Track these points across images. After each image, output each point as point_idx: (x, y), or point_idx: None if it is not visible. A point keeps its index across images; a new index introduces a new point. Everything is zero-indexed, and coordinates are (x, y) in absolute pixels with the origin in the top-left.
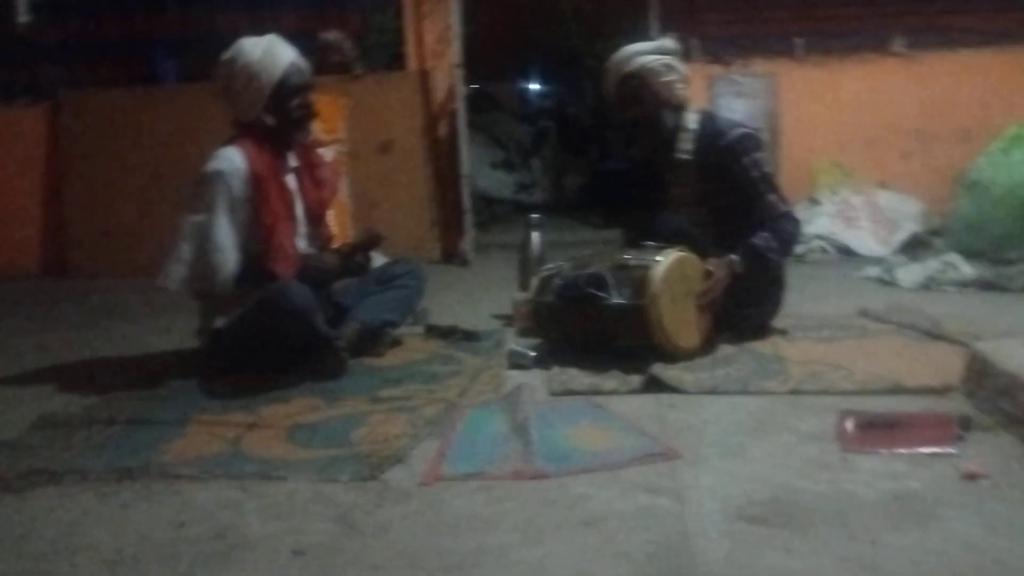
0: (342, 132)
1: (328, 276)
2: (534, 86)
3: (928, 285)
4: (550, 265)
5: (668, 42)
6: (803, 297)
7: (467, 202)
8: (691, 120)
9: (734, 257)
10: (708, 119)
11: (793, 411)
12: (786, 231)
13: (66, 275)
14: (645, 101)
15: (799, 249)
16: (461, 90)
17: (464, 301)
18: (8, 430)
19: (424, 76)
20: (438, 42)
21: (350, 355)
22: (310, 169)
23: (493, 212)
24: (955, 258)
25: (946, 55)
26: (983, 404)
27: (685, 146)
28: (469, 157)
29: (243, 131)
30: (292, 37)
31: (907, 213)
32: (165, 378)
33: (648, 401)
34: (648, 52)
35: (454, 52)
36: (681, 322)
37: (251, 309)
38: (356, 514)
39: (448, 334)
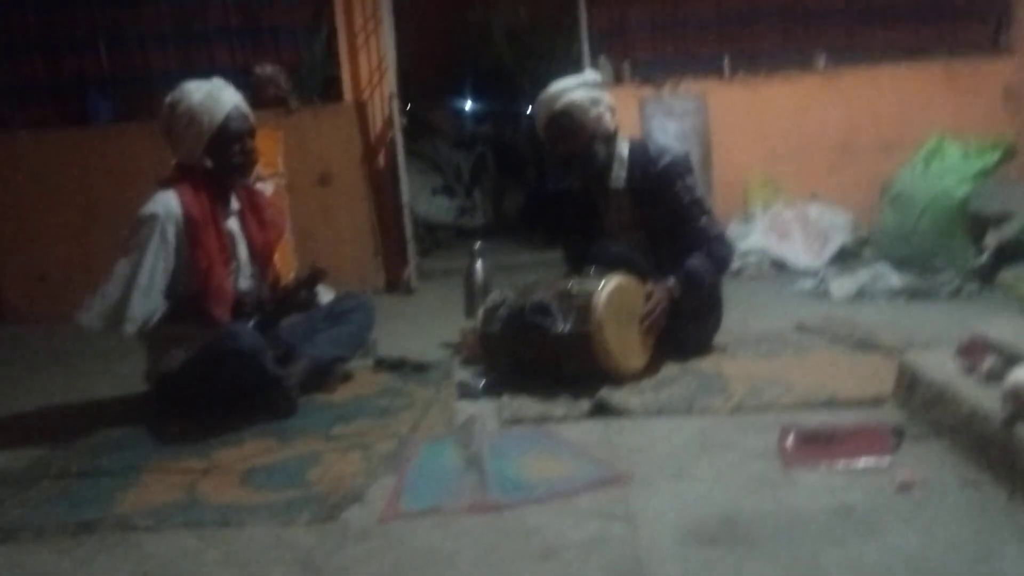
0: (280, 166)
1: (268, 312)
2: (470, 109)
3: (860, 296)
4: (495, 294)
5: (592, 74)
6: (742, 313)
7: (409, 230)
8: (623, 148)
9: (671, 281)
10: (639, 146)
11: (736, 429)
12: (719, 252)
13: (1, 319)
14: (576, 137)
15: (734, 265)
16: (398, 120)
17: (411, 330)
18: None
19: (360, 107)
20: (373, 73)
21: (301, 393)
22: (255, 211)
23: (435, 238)
24: (884, 268)
25: (866, 71)
26: (915, 414)
27: (618, 174)
28: (408, 184)
29: (183, 173)
30: (226, 72)
31: (837, 225)
32: (114, 425)
33: (597, 425)
34: (574, 88)
35: (389, 82)
36: (625, 346)
37: (201, 352)
38: (317, 556)
39: (397, 366)
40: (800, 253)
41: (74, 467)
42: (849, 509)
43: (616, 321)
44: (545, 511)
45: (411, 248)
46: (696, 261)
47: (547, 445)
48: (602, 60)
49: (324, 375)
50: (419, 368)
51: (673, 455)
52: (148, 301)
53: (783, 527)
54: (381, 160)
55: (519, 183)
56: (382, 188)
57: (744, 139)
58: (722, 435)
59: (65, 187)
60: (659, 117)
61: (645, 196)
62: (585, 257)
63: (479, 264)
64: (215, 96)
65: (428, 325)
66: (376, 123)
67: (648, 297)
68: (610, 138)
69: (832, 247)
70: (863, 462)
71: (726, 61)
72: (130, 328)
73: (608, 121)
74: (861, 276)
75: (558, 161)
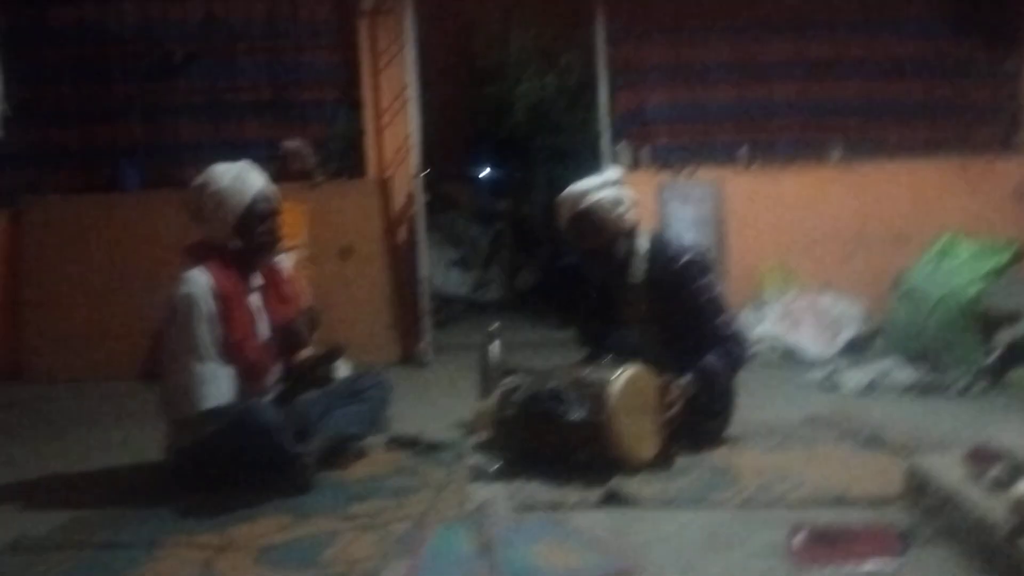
0: (303, 238)
1: (286, 387)
2: (487, 181)
3: (870, 389)
4: (511, 379)
5: (615, 172)
6: (752, 402)
7: (425, 305)
8: (642, 243)
9: (688, 378)
10: (659, 242)
11: (745, 525)
12: (735, 351)
13: (22, 379)
14: (599, 235)
15: None
16: (420, 197)
17: (425, 406)
18: None
19: (383, 183)
20: (398, 151)
21: (316, 470)
22: (275, 286)
23: (450, 310)
24: (895, 363)
25: (880, 164)
26: (923, 517)
27: (638, 268)
28: (426, 258)
29: (210, 251)
30: (254, 146)
31: (849, 315)
32: (133, 495)
33: (608, 516)
34: (598, 188)
35: (413, 161)
36: (638, 436)
37: (220, 427)
38: None
39: (411, 444)
40: (812, 342)
41: (94, 537)
42: None
43: (629, 411)
44: None
45: (427, 322)
46: (712, 360)
47: (558, 534)
48: (621, 145)
49: (339, 452)
50: (433, 447)
51: (682, 550)
52: (220, 375)
53: None
54: (401, 235)
55: (535, 259)
56: (401, 263)
57: (758, 227)
58: (731, 531)
59: (92, 251)
60: (675, 202)
61: (663, 291)
62: (601, 344)
63: (495, 346)
64: (243, 179)
65: (442, 401)
66: (398, 199)
67: (664, 391)
68: (630, 234)
69: (844, 337)
70: (871, 564)
71: (743, 150)
72: (210, 403)
73: (629, 218)
74: (872, 370)
75: (580, 256)
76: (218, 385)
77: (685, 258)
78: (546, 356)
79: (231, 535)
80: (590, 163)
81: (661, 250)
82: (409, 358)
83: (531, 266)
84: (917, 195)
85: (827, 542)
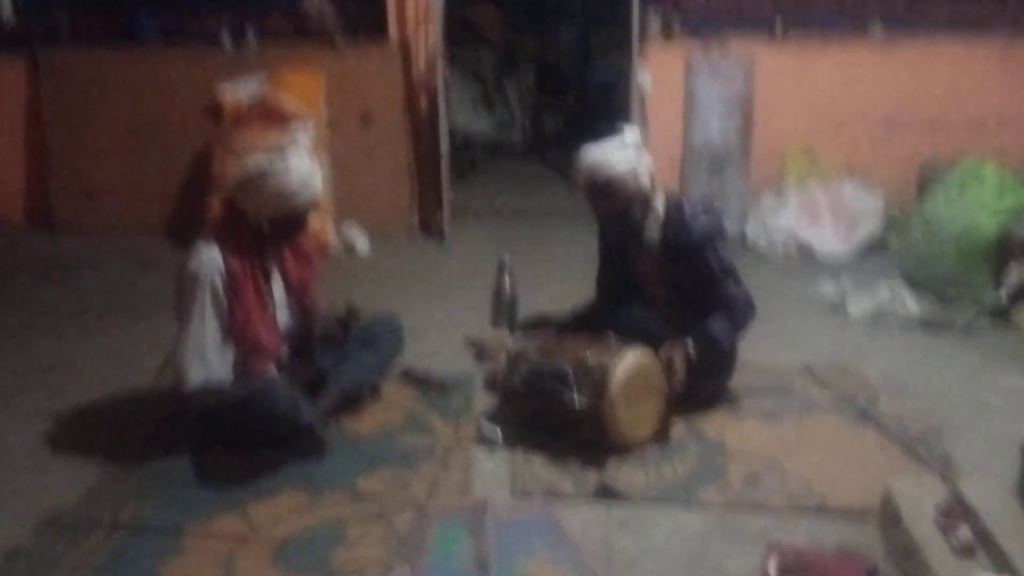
0: (321, 105)
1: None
2: (517, 20)
3: (876, 318)
4: (519, 343)
5: (631, 135)
6: (759, 325)
7: (445, 175)
8: (658, 204)
9: (690, 343)
10: (675, 205)
11: (726, 541)
12: (742, 318)
13: (52, 229)
14: (616, 201)
15: (762, 245)
16: (442, 62)
17: (441, 294)
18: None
19: (405, 46)
20: (420, 11)
21: (331, 418)
22: (294, 248)
23: (471, 156)
24: (903, 291)
25: (921, 43)
26: (891, 553)
27: (652, 228)
28: (448, 99)
29: (230, 218)
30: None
31: (869, 209)
32: (160, 451)
33: (599, 515)
34: (616, 162)
35: (436, 24)
36: (636, 420)
37: (237, 404)
38: None
39: (423, 382)
40: (828, 238)
41: (123, 516)
42: None
43: (629, 397)
44: None
45: (446, 193)
46: (718, 325)
47: (550, 545)
48: (651, 10)
49: (354, 401)
50: (442, 387)
51: (662, 571)
52: (204, 361)
53: None
54: (423, 102)
55: (559, 103)
56: (422, 130)
57: (788, 105)
58: (711, 548)
59: (110, 104)
60: (704, 78)
61: (675, 254)
62: (609, 322)
63: (507, 279)
64: (306, 183)
65: (458, 287)
66: (420, 64)
67: (668, 363)
68: (647, 199)
69: (862, 232)
70: None
71: (778, 20)
72: (189, 387)
73: (646, 184)
74: (879, 296)
75: (597, 217)
76: (211, 363)
77: (699, 223)
78: (563, 197)
79: (252, 518)
80: (620, 23)
81: (676, 213)
82: (428, 227)
83: (554, 110)
84: (956, 79)
85: (799, 570)
